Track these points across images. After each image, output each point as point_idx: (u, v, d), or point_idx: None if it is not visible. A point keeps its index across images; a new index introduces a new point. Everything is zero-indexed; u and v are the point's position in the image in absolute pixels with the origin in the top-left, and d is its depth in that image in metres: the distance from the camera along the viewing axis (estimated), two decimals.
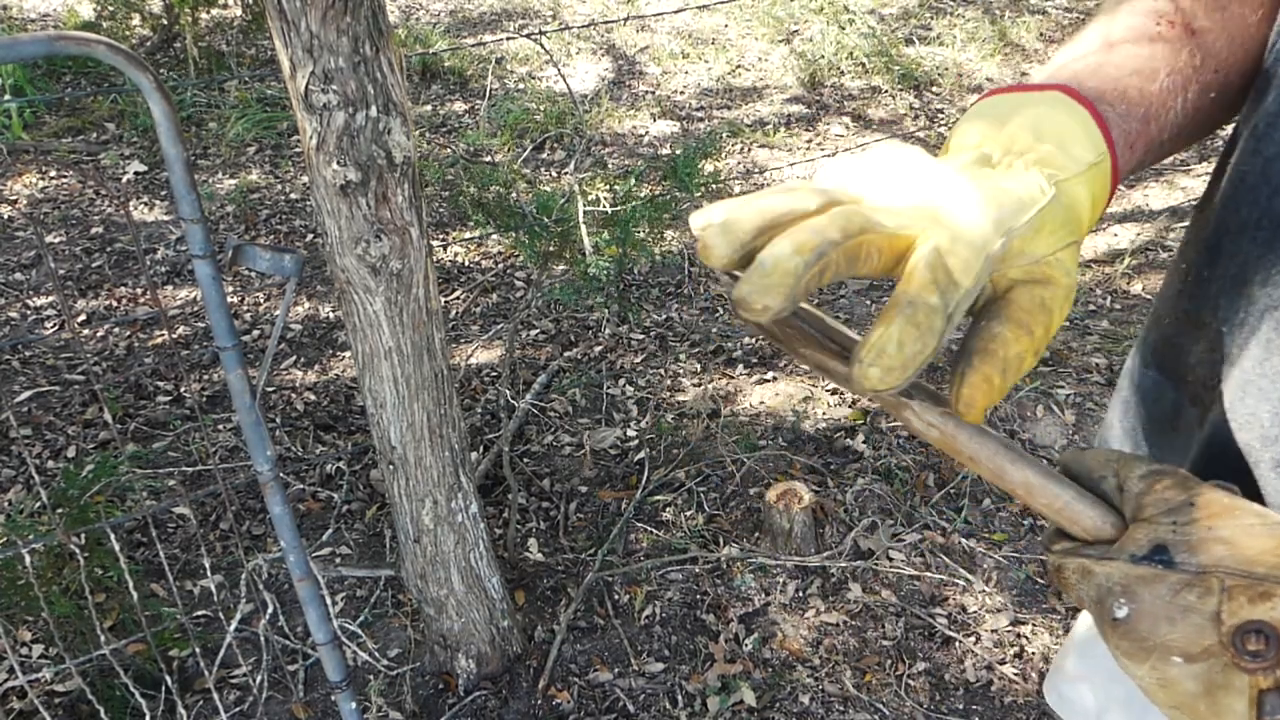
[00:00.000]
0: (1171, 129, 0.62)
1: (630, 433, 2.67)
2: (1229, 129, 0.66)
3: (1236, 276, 0.59)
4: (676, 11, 5.49)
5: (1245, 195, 0.59)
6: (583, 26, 5.26)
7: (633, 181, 2.34)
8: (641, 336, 3.07)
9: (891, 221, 0.49)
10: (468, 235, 3.53)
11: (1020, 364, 0.51)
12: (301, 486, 2.48)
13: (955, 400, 0.52)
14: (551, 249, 2.28)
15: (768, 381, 2.85)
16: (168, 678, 1.75)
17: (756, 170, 4.10)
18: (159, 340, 3.00)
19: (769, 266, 0.45)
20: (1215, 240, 0.62)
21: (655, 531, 2.36)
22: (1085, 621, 0.89)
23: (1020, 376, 0.52)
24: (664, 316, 3.18)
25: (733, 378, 2.88)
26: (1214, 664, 0.46)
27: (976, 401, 0.51)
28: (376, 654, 2.05)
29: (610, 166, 4.03)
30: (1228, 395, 0.60)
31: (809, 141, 4.35)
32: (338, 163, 1.38)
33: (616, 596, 2.19)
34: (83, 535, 1.91)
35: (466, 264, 3.47)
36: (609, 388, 2.84)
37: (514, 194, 2.33)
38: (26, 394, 2.76)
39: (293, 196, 3.83)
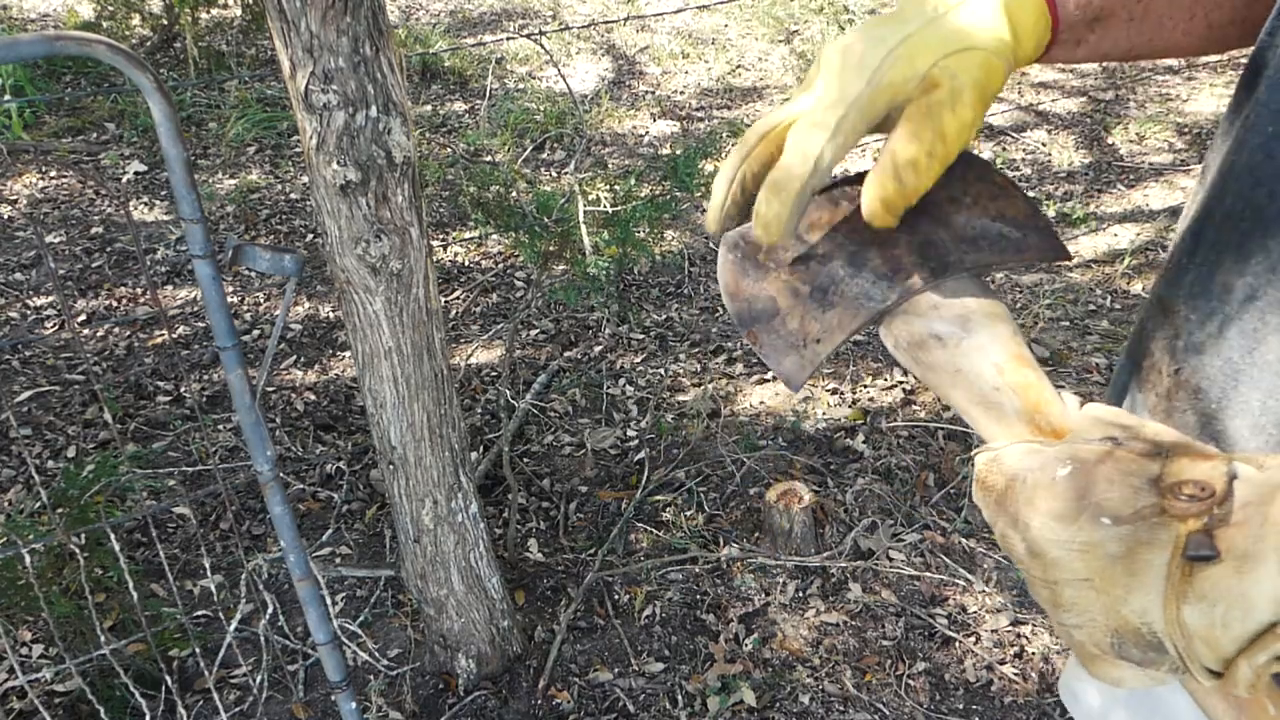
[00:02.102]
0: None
1: (630, 433, 2.67)
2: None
3: (1214, 264, 0.60)
4: (676, 11, 5.48)
5: (1230, 185, 0.59)
6: (583, 26, 5.26)
7: (633, 181, 2.34)
8: (641, 336, 3.07)
9: (785, 114, 0.61)
10: (468, 235, 3.53)
11: (915, 167, 0.58)
12: (301, 486, 2.48)
13: (864, 211, 0.61)
14: (551, 249, 2.28)
15: (768, 381, 2.85)
16: (168, 678, 1.75)
17: None
18: (159, 340, 3.00)
19: (710, 208, 0.64)
20: (1198, 228, 0.62)
21: (655, 531, 2.36)
22: None
23: (924, 179, 0.59)
24: (664, 316, 3.18)
25: (733, 378, 2.88)
26: (1142, 525, 0.48)
27: (874, 206, 0.60)
28: (376, 654, 2.05)
29: (610, 166, 4.03)
30: (1216, 384, 0.60)
31: None
32: (338, 163, 1.38)
33: (616, 596, 2.19)
34: (83, 535, 1.91)
35: (466, 264, 3.47)
36: (609, 388, 2.84)
37: (514, 194, 2.33)
38: (26, 394, 2.76)
39: (293, 196, 3.83)
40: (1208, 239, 0.61)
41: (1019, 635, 2.09)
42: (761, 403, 2.77)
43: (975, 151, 0.75)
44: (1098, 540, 0.48)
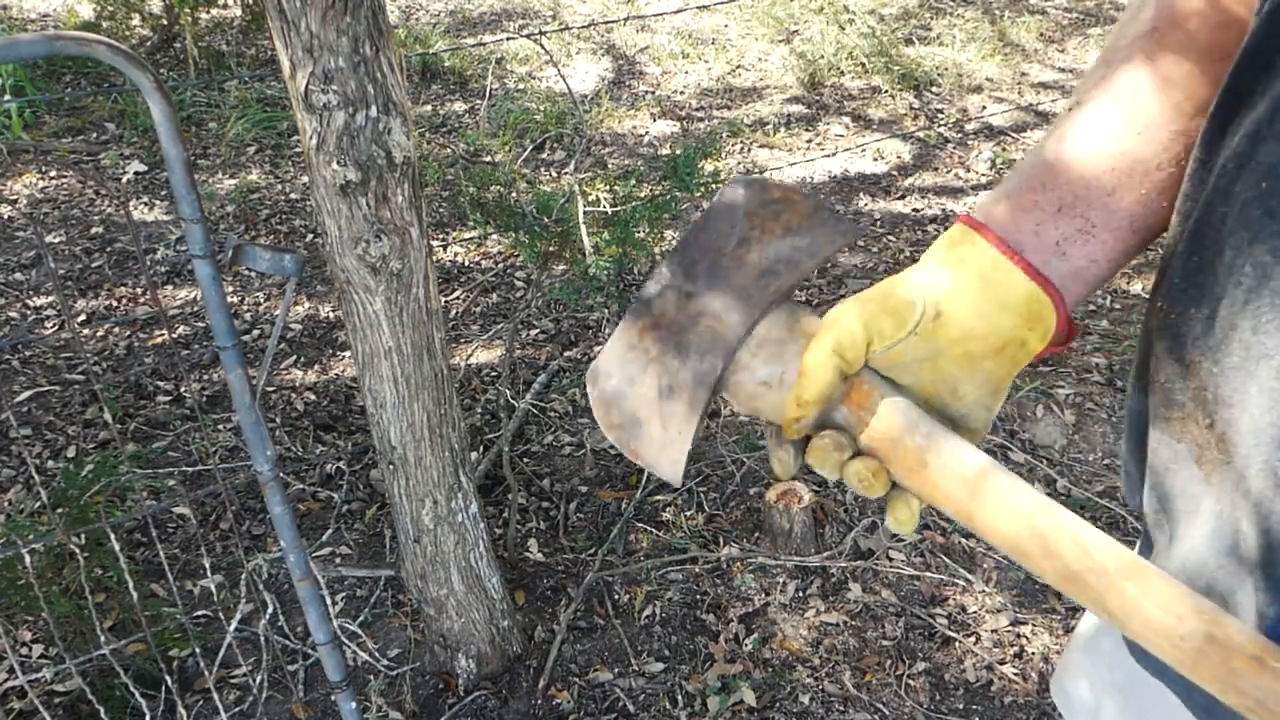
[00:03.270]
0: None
1: None
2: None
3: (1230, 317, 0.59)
4: (676, 11, 5.48)
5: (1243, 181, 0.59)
6: (583, 26, 5.26)
7: (633, 181, 2.34)
8: None
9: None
10: (468, 235, 3.53)
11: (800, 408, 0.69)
12: (301, 486, 2.48)
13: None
14: (551, 249, 2.28)
15: None
16: (168, 678, 1.75)
17: (757, 170, 4.10)
18: (159, 340, 3.00)
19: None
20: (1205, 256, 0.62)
21: (655, 531, 2.36)
22: (1089, 620, 0.89)
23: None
24: None
25: None
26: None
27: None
28: (376, 654, 2.05)
29: (610, 166, 4.03)
30: (1250, 436, 0.59)
31: (809, 141, 4.36)
32: (338, 163, 1.38)
33: (616, 596, 2.19)
34: (83, 535, 1.91)
35: (466, 264, 3.47)
36: None
37: (514, 194, 2.33)
38: (26, 394, 2.76)
39: (293, 196, 3.83)
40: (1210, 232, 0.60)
41: (1019, 635, 2.09)
42: None
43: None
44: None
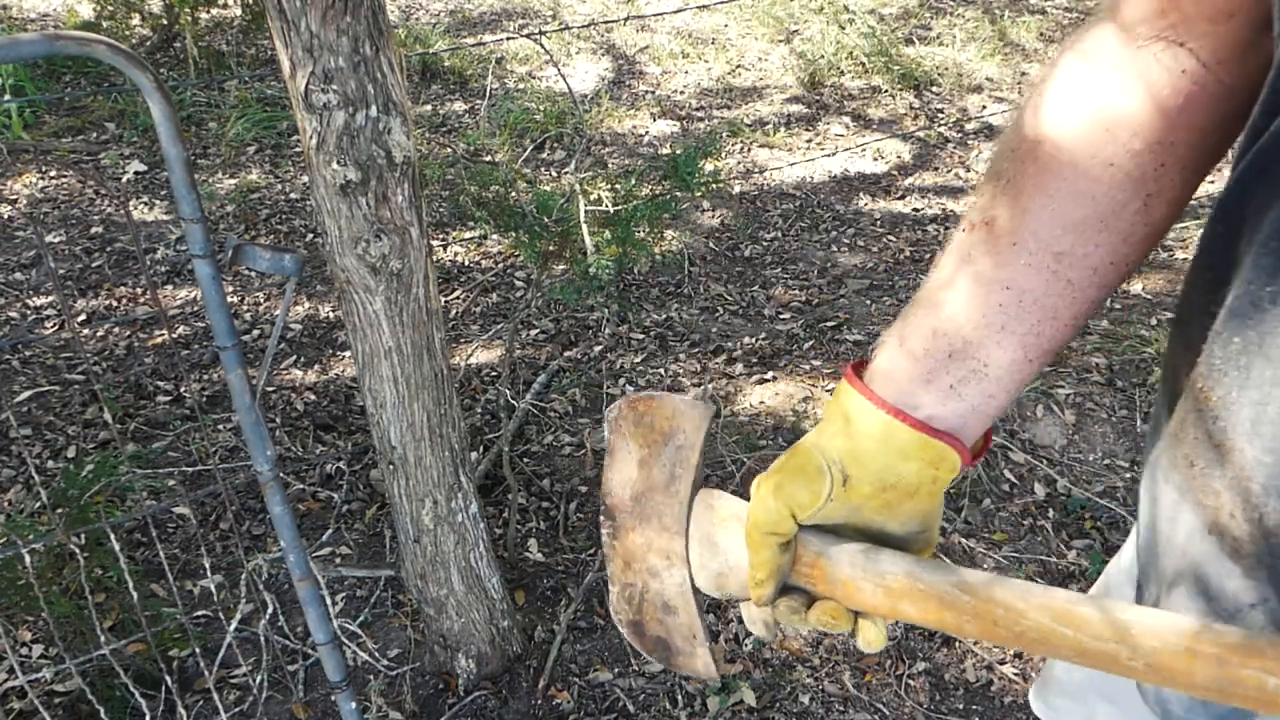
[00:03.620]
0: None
1: None
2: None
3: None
4: (676, 11, 5.48)
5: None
6: (583, 26, 5.26)
7: (633, 181, 2.34)
8: (641, 336, 3.07)
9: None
10: (468, 235, 3.53)
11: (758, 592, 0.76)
12: (301, 486, 2.48)
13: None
14: (551, 249, 2.28)
15: (768, 381, 2.85)
16: (168, 678, 1.75)
17: (756, 170, 4.10)
18: (159, 340, 3.00)
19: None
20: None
21: None
22: None
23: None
24: (664, 316, 3.18)
25: (733, 378, 2.88)
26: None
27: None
28: (376, 654, 2.05)
29: (610, 166, 4.03)
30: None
31: (809, 141, 4.36)
32: (338, 162, 1.38)
33: None
34: (83, 535, 1.91)
35: (466, 264, 3.47)
36: (609, 387, 2.84)
37: (514, 194, 2.33)
38: (26, 394, 2.76)
39: (293, 196, 3.83)
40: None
41: None
42: (761, 403, 2.77)
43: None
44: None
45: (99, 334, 3.03)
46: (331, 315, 3.16)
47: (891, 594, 0.68)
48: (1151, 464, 0.69)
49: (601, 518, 0.81)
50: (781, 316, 3.18)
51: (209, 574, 2.21)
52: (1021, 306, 0.66)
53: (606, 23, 5.21)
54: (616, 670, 2.03)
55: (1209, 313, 0.60)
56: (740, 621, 2.12)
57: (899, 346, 0.70)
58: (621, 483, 0.80)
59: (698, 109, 4.67)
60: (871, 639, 0.72)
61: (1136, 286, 3.28)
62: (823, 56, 4.99)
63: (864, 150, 4.26)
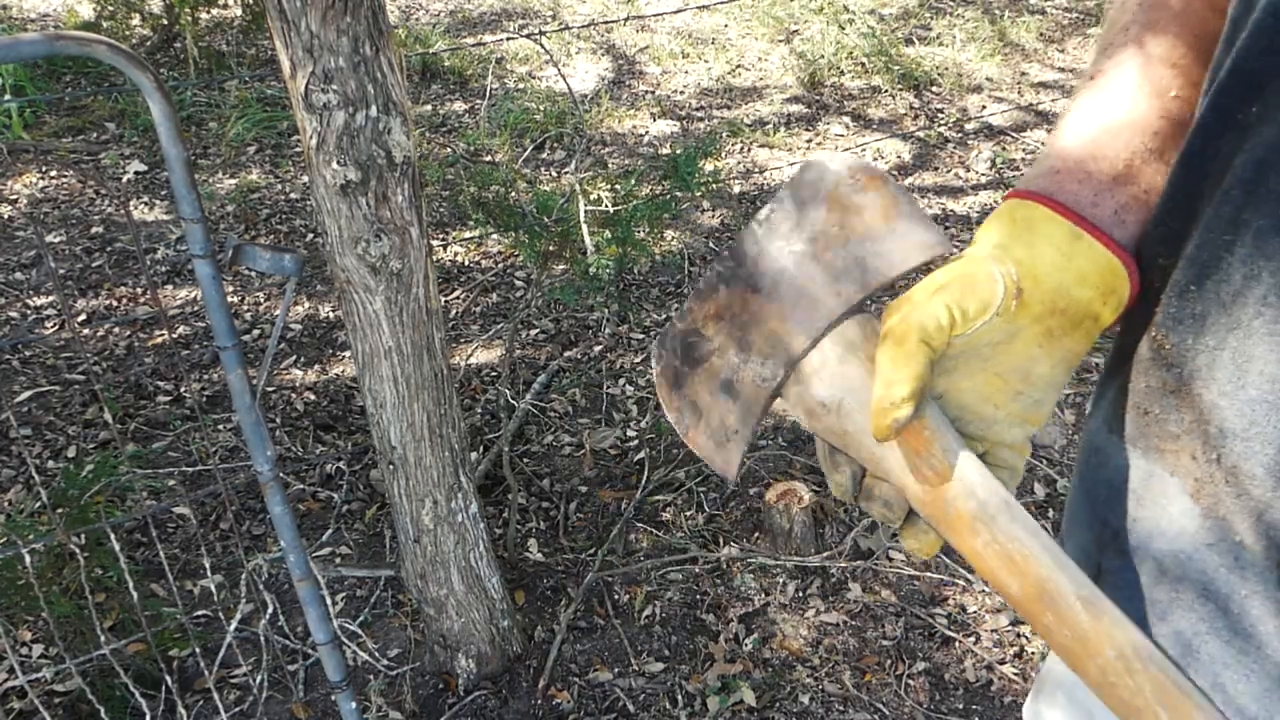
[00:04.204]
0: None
1: (630, 433, 2.67)
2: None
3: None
4: (676, 11, 5.48)
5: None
6: (583, 26, 5.26)
7: (633, 181, 2.34)
8: (641, 336, 3.07)
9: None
10: (468, 235, 3.53)
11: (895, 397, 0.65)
12: (301, 486, 2.48)
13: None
14: (551, 249, 2.28)
15: None
16: (168, 678, 1.75)
17: (756, 170, 4.10)
18: (159, 340, 3.00)
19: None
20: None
21: (655, 531, 2.36)
22: (1057, 668, 0.89)
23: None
24: (664, 316, 3.18)
25: None
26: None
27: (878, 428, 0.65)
28: (376, 654, 2.05)
29: (610, 166, 4.03)
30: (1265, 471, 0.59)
31: (809, 141, 4.36)
32: (338, 162, 1.38)
33: (616, 596, 2.19)
34: (83, 535, 1.91)
35: (466, 264, 3.47)
36: (609, 387, 2.84)
37: (514, 194, 2.33)
38: (26, 394, 2.76)
39: (293, 196, 3.83)
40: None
41: (1019, 635, 2.09)
42: None
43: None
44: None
45: (99, 334, 3.03)
46: (331, 315, 3.16)
47: (1005, 560, 0.58)
48: (1097, 417, 0.69)
49: (722, 253, 0.68)
50: None
51: (209, 574, 2.21)
52: (1175, 135, 0.65)
53: (606, 23, 5.21)
54: (616, 670, 2.03)
55: (1163, 263, 0.61)
56: (740, 621, 2.12)
57: (1058, 174, 0.66)
58: (783, 231, 0.66)
59: (698, 109, 4.67)
60: (924, 548, 0.65)
61: None
62: (823, 56, 4.99)
63: (864, 150, 4.26)
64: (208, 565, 2.24)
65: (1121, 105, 0.67)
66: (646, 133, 4.43)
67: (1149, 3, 0.69)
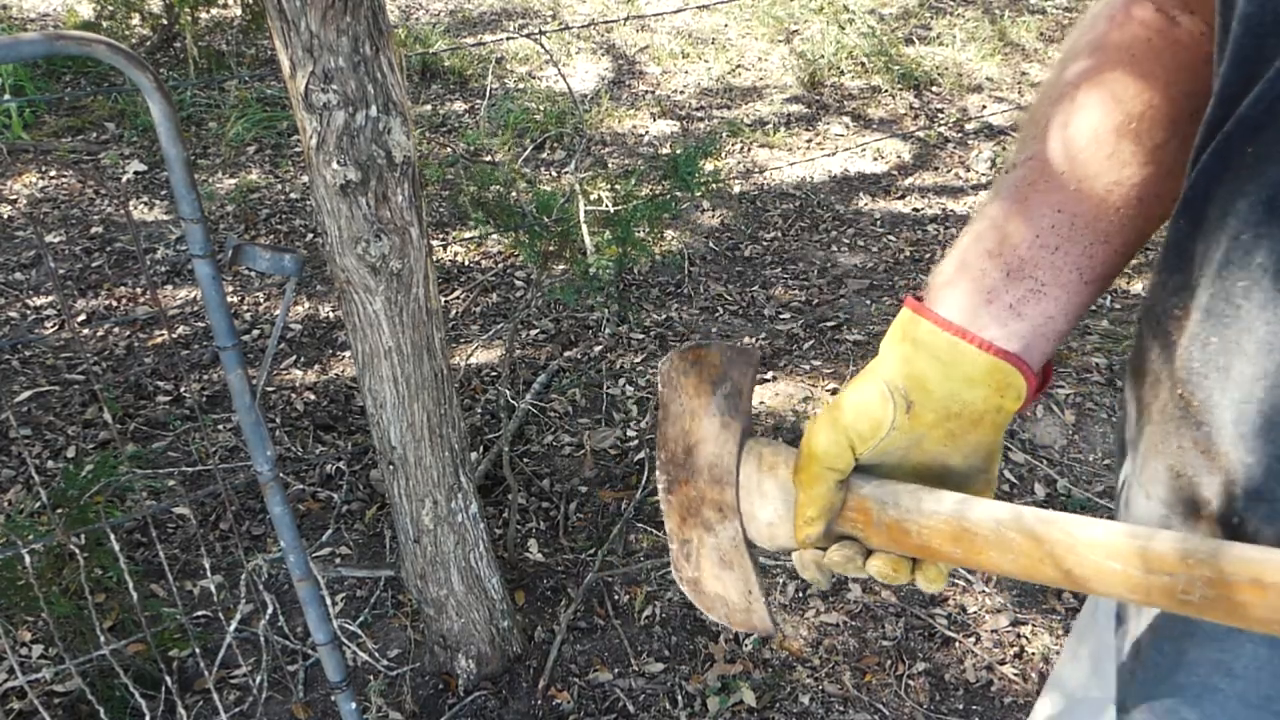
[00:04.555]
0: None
1: (630, 433, 2.67)
2: None
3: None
4: (676, 11, 5.48)
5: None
6: (583, 26, 5.26)
7: (633, 181, 2.34)
8: (641, 336, 3.07)
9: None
10: (468, 235, 3.53)
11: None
12: (301, 486, 2.48)
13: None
14: (551, 249, 2.28)
15: (767, 381, 2.85)
16: (168, 678, 1.75)
17: (756, 170, 4.10)
18: (159, 340, 3.00)
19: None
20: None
21: (655, 531, 2.35)
22: (1063, 665, 0.89)
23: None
24: (664, 316, 3.18)
25: None
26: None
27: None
28: (376, 654, 2.05)
29: (610, 166, 4.03)
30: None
31: (809, 141, 4.35)
32: (338, 162, 1.38)
33: (616, 597, 2.19)
34: (83, 535, 1.91)
35: (466, 264, 3.47)
36: (609, 387, 2.84)
37: (514, 194, 2.33)
38: (26, 394, 2.76)
39: (293, 196, 3.83)
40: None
41: (1019, 635, 2.09)
42: (761, 402, 2.77)
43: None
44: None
45: (99, 334, 3.03)
46: (331, 315, 3.16)
47: (938, 535, 0.65)
48: (1127, 483, 0.68)
49: (657, 473, 0.80)
50: (781, 316, 3.18)
51: (209, 574, 2.21)
52: (1074, 229, 0.67)
53: (606, 23, 5.21)
54: (616, 670, 2.03)
55: (1179, 315, 0.60)
56: None
57: (957, 269, 0.69)
58: (675, 436, 0.78)
59: (698, 109, 4.67)
60: (932, 578, 0.70)
61: (1136, 286, 3.28)
62: (823, 56, 4.98)
63: (864, 150, 4.26)
64: (208, 565, 2.24)
65: (1027, 197, 0.69)
66: (646, 133, 4.43)
67: (1087, 69, 0.68)
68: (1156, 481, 0.63)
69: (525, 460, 2.57)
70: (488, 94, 4.68)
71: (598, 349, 3.01)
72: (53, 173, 3.92)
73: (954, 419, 0.68)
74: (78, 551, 1.88)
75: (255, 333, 3.09)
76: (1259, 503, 0.56)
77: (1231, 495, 0.57)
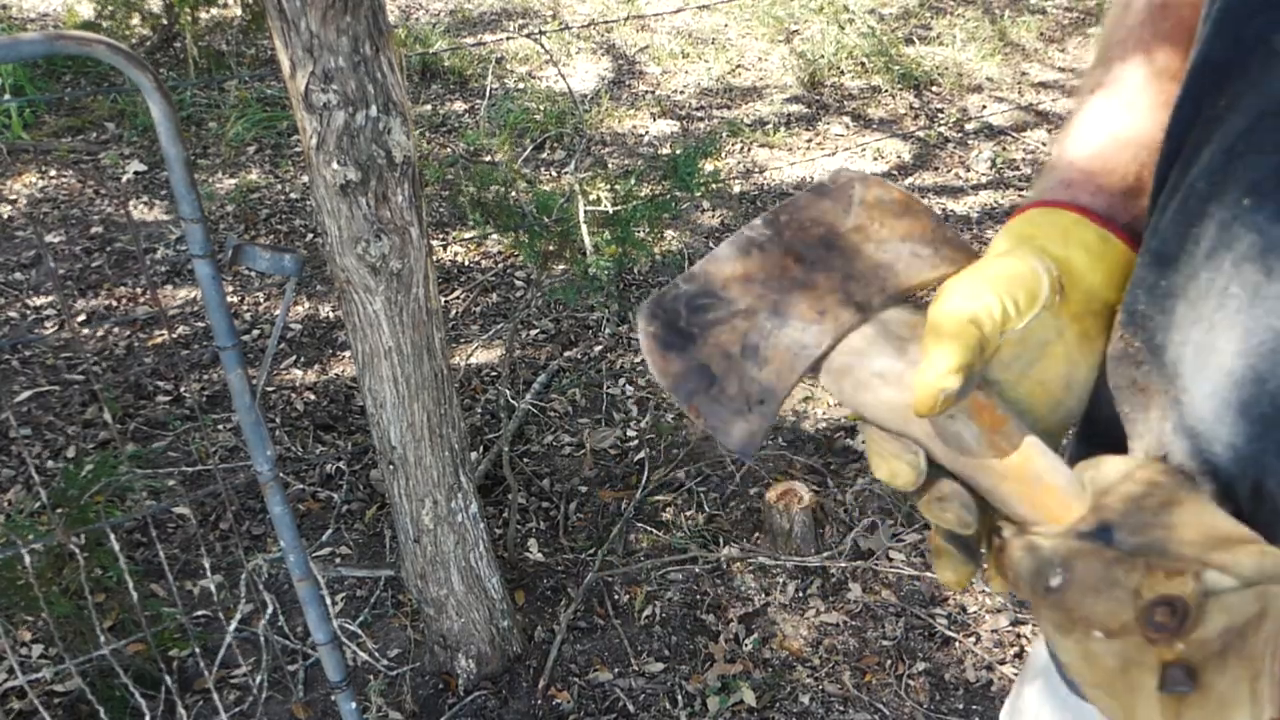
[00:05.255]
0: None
1: (630, 433, 2.67)
2: None
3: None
4: (676, 11, 5.48)
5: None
6: (583, 26, 5.26)
7: (633, 181, 2.34)
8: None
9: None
10: (468, 235, 3.53)
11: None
12: (301, 486, 2.48)
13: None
14: (551, 249, 2.28)
15: None
16: (168, 678, 1.75)
17: (756, 170, 4.10)
18: (159, 340, 3.00)
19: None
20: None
21: (655, 531, 2.36)
22: (1043, 653, 0.88)
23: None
24: None
25: None
26: (1130, 641, 0.47)
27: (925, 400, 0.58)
28: (376, 654, 2.05)
29: (610, 166, 4.03)
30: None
31: (809, 141, 4.35)
32: (338, 162, 1.38)
33: (616, 596, 2.19)
34: (83, 535, 1.91)
35: (466, 264, 3.47)
36: (609, 387, 2.84)
37: (514, 194, 2.33)
38: (26, 394, 2.76)
39: (293, 196, 3.83)
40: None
41: (1019, 635, 2.09)
42: None
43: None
44: (1096, 652, 0.48)
45: (99, 334, 3.03)
46: (331, 315, 3.16)
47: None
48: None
49: (762, 218, 0.64)
50: None
51: (209, 574, 2.21)
52: None
53: (606, 23, 5.21)
54: (616, 670, 2.03)
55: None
56: (740, 621, 2.12)
57: (1072, 183, 0.65)
58: (821, 216, 0.64)
59: (698, 109, 4.67)
60: (958, 578, 0.60)
61: None
62: (823, 56, 4.98)
63: (864, 150, 4.26)
64: (208, 565, 2.24)
65: (1128, 118, 0.66)
66: (646, 133, 4.43)
67: (1154, 12, 0.68)
68: (1094, 420, 0.64)
69: (525, 460, 2.57)
70: (488, 94, 4.68)
71: (598, 349, 3.01)
72: (53, 173, 3.92)
73: (1091, 317, 0.61)
74: (78, 551, 1.88)
75: (255, 333, 3.09)
76: (1188, 439, 0.56)
77: (1163, 433, 0.57)
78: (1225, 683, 0.44)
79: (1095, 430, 0.65)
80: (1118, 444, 0.62)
